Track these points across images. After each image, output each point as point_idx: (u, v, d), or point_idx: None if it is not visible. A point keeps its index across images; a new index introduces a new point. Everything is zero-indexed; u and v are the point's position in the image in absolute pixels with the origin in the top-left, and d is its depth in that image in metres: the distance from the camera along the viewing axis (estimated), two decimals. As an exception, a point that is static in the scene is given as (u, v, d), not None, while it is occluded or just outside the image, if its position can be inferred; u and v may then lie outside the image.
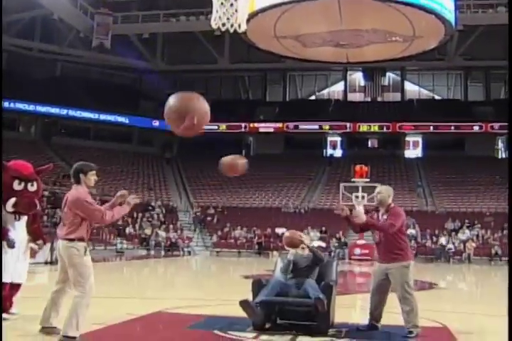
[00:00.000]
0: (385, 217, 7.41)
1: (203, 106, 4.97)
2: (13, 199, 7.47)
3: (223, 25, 5.52)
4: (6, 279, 7.38)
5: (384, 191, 7.59)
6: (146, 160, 46.39)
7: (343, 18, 15.75)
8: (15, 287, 7.59)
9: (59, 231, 6.38)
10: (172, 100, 4.65)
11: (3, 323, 6.77)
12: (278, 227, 34.26)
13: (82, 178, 6.36)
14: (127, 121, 47.06)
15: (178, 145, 49.12)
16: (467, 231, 34.42)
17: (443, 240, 32.91)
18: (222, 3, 5.24)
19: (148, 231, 34.41)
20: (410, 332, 7.13)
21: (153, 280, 17.68)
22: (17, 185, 7.56)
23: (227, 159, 6.75)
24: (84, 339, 6.07)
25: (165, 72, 49.17)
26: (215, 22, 5.51)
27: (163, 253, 32.63)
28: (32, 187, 7.70)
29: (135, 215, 35.88)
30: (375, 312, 7.47)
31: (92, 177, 6.42)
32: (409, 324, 7.17)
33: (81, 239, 6.24)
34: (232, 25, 5.51)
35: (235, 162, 6.78)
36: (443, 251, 32.36)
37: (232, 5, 5.27)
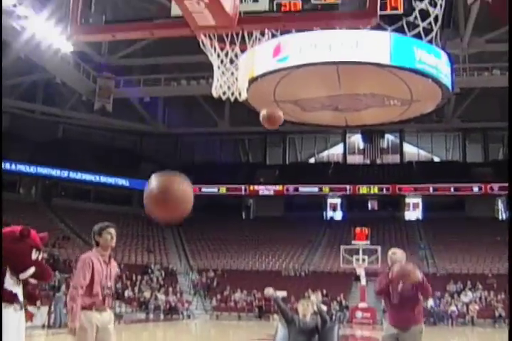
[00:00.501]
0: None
1: (183, 193, 4.12)
2: (32, 269, 7.45)
3: (224, 93, 5.64)
4: None
5: (399, 253, 7.50)
6: (146, 222, 46.28)
7: (342, 83, 15.99)
8: None
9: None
10: (151, 185, 4.06)
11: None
12: (278, 291, 33.91)
13: (98, 240, 6.24)
14: (127, 184, 47.19)
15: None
16: (469, 293, 34.11)
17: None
18: (223, 73, 5.37)
19: (147, 294, 34.06)
20: None
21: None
22: (34, 255, 7.56)
23: (266, 110, 6.69)
24: None
25: (165, 134, 49.67)
26: (216, 91, 5.64)
27: (162, 316, 32.23)
28: (40, 256, 7.72)
29: (134, 278, 35.60)
30: None
31: (106, 236, 6.22)
32: None
33: (83, 307, 6.02)
34: (232, 94, 5.63)
35: (274, 113, 6.76)
36: (446, 314, 31.99)
37: (232, 74, 5.40)
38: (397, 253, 7.49)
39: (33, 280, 7.77)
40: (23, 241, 7.44)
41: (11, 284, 7.44)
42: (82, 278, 5.98)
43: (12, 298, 7.41)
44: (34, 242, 7.58)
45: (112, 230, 6.28)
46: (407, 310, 7.06)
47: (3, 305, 7.43)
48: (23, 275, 7.45)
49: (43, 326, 19.13)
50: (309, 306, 8.20)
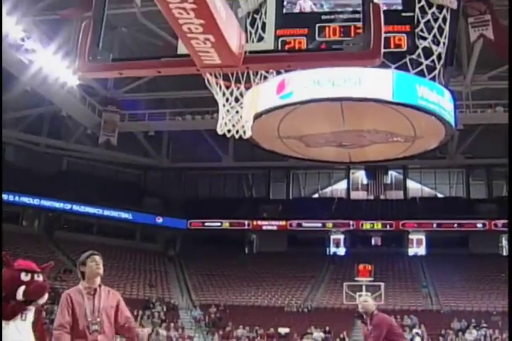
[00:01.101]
0: (370, 326, 7.42)
1: None
2: (22, 287, 7.45)
3: (229, 131, 5.70)
4: None
5: (370, 300, 7.77)
6: (149, 256, 46.13)
7: (346, 119, 16.13)
8: None
9: None
10: None
11: None
12: (281, 327, 33.68)
13: (83, 270, 5.90)
14: (131, 217, 47.15)
15: (181, 241, 49.08)
16: (474, 331, 33.75)
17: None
18: (228, 111, 5.43)
19: (148, 329, 33.75)
20: None
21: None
22: (24, 276, 7.56)
23: None
24: None
25: (169, 169, 49.80)
26: (220, 129, 5.70)
27: (163, 352, 31.92)
28: (38, 278, 7.69)
29: (135, 313, 35.34)
30: None
31: (91, 264, 5.88)
32: None
33: None
34: (237, 132, 5.68)
35: None
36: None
37: (237, 112, 5.46)
38: (369, 301, 7.59)
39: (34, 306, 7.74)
40: (11, 268, 7.51)
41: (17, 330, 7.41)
42: (61, 317, 5.63)
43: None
44: (21, 266, 7.61)
45: (97, 257, 5.95)
46: None
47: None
48: (18, 297, 7.44)
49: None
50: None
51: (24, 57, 31.39)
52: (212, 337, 35.13)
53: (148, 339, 32.70)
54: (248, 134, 5.45)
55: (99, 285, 5.74)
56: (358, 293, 32.71)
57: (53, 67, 32.29)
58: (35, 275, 7.68)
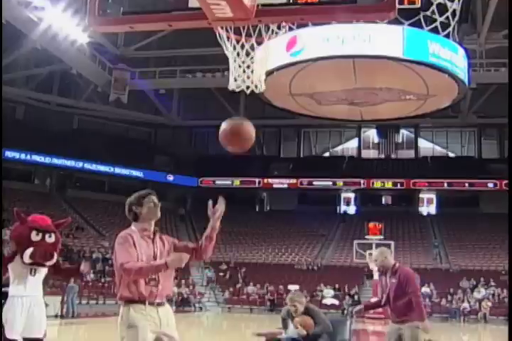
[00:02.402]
0: (393, 280, 7.28)
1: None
2: (30, 249, 7.48)
3: (239, 87, 5.61)
4: (15, 336, 7.33)
5: (379, 256, 7.49)
6: (160, 214, 46.33)
7: (358, 77, 15.94)
8: None
9: None
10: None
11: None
12: (291, 284, 33.98)
13: (138, 211, 4.90)
14: (142, 175, 47.27)
15: (192, 199, 49.25)
16: (482, 289, 33.96)
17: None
18: (239, 66, 5.34)
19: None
20: None
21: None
22: (35, 236, 7.57)
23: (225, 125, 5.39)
24: None
25: (180, 127, 49.72)
26: (231, 84, 5.61)
27: (174, 308, 32.09)
28: (50, 239, 7.71)
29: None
30: None
31: (149, 205, 4.91)
32: None
33: (128, 300, 4.56)
34: (248, 87, 5.60)
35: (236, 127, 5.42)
36: (458, 311, 31.90)
37: (248, 67, 5.37)
38: (378, 259, 7.47)
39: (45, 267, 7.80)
40: (23, 225, 7.54)
41: (22, 273, 7.49)
42: (128, 255, 4.51)
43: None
44: (33, 224, 7.63)
45: (155, 197, 5.04)
46: (399, 308, 7.18)
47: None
48: (25, 258, 7.50)
49: (56, 316, 19.26)
50: (297, 306, 7.80)
51: (33, 15, 31.10)
52: (222, 294, 35.54)
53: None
54: (261, 88, 5.36)
55: (155, 230, 4.90)
56: (368, 251, 32.93)
57: (63, 24, 32.01)
58: (47, 236, 7.69)
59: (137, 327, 4.28)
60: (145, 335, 4.29)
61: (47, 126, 44.62)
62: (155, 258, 4.57)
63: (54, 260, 7.83)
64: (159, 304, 4.44)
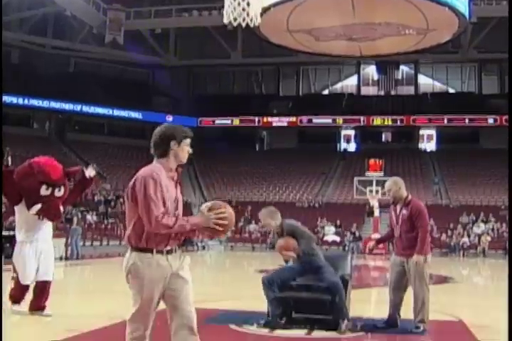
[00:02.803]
0: (404, 211, 7.31)
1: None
2: (38, 206, 7.44)
3: (235, 20, 5.50)
4: (26, 281, 7.42)
5: (393, 186, 7.44)
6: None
7: (356, 11, 15.70)
8: (45, 285, 7.54)
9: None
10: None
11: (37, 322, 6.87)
12: (292, 222, 34.17)
13: (172, 147, 4.20)
14: (140, 117, 47.07)
15: (191, 140, 49.09)
16: (482, 224, 34.27)
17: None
18: (234, -1, 5.23)
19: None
20: (417, 327, 7.14)
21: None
22: (44, 191, 7.49)
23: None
24: (101, 334, 6.10)
25: (177, 67, 49.21)
26: (227, 16, 5.50)
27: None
28: (59, 193, 7.65)
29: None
30: (394, 308, 7.40)
31: (186, 148, 4.27)
32: (417, 318, 7.17)
33: (137, 248, 4.00)
34: (244, 20, 5.49)
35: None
36: (457, 245, 32.25)
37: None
38: (392, 188, 7.45)
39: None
40: (33, 177, 7.42)
41: (30, 218, 7.50)
42: (160, 204, 3.94)
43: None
44: (45, 178, 7.54)
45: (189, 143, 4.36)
46: (408, 241, 7.20)
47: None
48: (31, 211, 7.49)
49: (61, 258, 19.48)
50: (271, 224, 7.60)
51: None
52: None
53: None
54: (257, 21, 5.26)
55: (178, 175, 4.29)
56: (368, 188, 33.11)
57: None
58: (56, 190, 7.64)
59: (143, 279, 3.87)
60: (151, 287, 3.88)
61: (43, 70, 44.19)
62: (176, 202, 4.10)
63: (61, 216, 7.86)
64: (169, 252, 3.99)
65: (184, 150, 4.24)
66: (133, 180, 4.06)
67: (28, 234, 7.47)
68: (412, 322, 7.25)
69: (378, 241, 8.18)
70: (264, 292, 7.20)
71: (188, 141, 4.29)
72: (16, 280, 7.46)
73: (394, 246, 7.72)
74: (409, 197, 7.44)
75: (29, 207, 7.43)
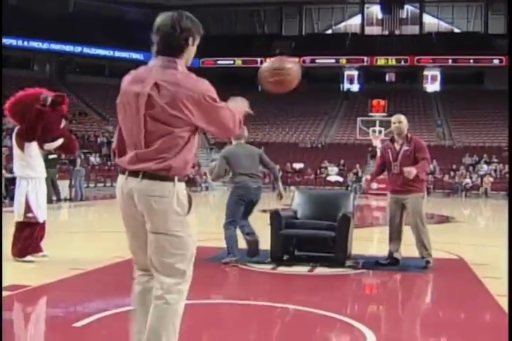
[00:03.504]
0: (405, 147, 7.41)
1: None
2: (60, 140, 7.42)
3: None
4: (42, 218, 7.38)
5: (404, 120, 7.54)
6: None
7: None
8: (42, 226, 7.47)
9: (127, 161, 3.15)
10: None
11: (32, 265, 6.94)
12: (295, 162, 34.29)
13: (188, 46, 3.29)
14: (142, 58, 46.48)
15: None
16: (485, 166, 34.34)
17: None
18: None
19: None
20: (428, 262, 7.31)
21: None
22: (62, 123, 7.51)
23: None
24: (105, 271, 6.18)
25: (178, 6, 48.27)
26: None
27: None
28: (63, 123, 7.65)
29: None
30: (395, 245, 7.51)
31: (194, 50, 3.36)
32: (425, 253, 7.32)
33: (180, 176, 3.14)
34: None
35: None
36: (460, 186, 32.37)
37: None
38: (402, 121, 7.56)
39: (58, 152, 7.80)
40: (56, 109, 7.31)
41: (37, 156, 7.45)
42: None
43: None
44: (64, 111, 7.51)
45: None
46: (409, 178, 7.23)
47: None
48: (49, 146, 7.44)
49: (65, 199, 19.63)
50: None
51: None
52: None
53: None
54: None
55: None
56: (371, 129, 33.07)
57: None
58: (66, 122, 7.63)
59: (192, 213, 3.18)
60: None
61: (42, 11, 43.54)
62: None
63: (78, 149, 7.84)
64: None
65: (193, 52, 3.34)
66: (175, 89, 3.09)
67: (36, 169, 7.37)
68: (413, 259, 7.38)
69: (372, 176, 8.18)
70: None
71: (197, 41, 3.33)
72: (34, 220, 7.20)
73: (389, 184, 7.75)
74: (409, 135, 7.54)
75: (47, 141, 7.37)
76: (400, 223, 7.50)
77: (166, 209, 3.07)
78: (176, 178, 3.09)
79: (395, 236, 7.49)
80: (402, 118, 7.57)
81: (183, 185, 3.14)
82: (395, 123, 7.54)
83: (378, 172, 7.93)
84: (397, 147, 7.50)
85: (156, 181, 3.05)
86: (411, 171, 7.09)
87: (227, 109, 3.29)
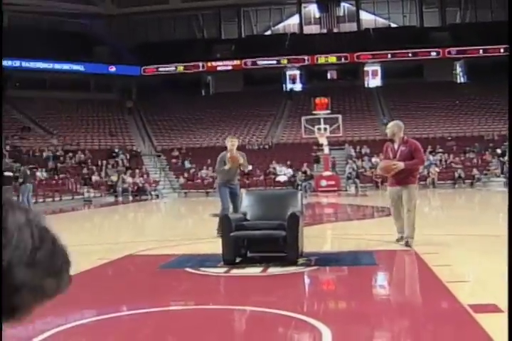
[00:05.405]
0: (402, 148, 8.74)
1: None
2: None
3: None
4: None
5: (391, 126, 9.15)
6: (106, 106, 45.69)
7: None
8: None
9: None
10: None
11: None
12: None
13: None
14: (83, 69, 46.19)
15: (136, 89, 48.56)
16: (430, 156, 34.85)
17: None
18: None
19: (114, 177, 34.26)
20: (407, 244, 8.45)
21: (124, 225, 17.70)
22: None
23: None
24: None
25: (116, 15, 48.16)
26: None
27: (131, 198, 32.55)
28: None
29: (99, 163, 35.69)
30: (399, 223, 8.85)
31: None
32: (408, 235, 8.51)
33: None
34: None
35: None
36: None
37: None
38: (389, 127, 9.18)
39: None
40: None
41: None
42: None
43: None
44: None
45: None
46: (405, 172, 8.64)
47: None
48: None
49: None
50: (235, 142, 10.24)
51: None
52: (177, 180, 35.85)
53: (116, 186, 33.33)
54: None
55: None
56: (316, 127, 33.35)
57: None
58: None
59: None
60: None
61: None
62: None
63: None
64: None
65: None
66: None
67: None
68: (364, 253, 7.51)
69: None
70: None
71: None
72: None
73: (390, 178, 8.99)
74: (406, 137, 8.98)
75: None
76: (400, 209, 8.84)
77: None
78: None
79: (397, 217, 8.90)
80: (391, 124, 9.37)
81: None
82: (388, 128, 9.20)
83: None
84: (396, 147, 8.88)
85: None
86: (399, 165, 8.47)
87: None
